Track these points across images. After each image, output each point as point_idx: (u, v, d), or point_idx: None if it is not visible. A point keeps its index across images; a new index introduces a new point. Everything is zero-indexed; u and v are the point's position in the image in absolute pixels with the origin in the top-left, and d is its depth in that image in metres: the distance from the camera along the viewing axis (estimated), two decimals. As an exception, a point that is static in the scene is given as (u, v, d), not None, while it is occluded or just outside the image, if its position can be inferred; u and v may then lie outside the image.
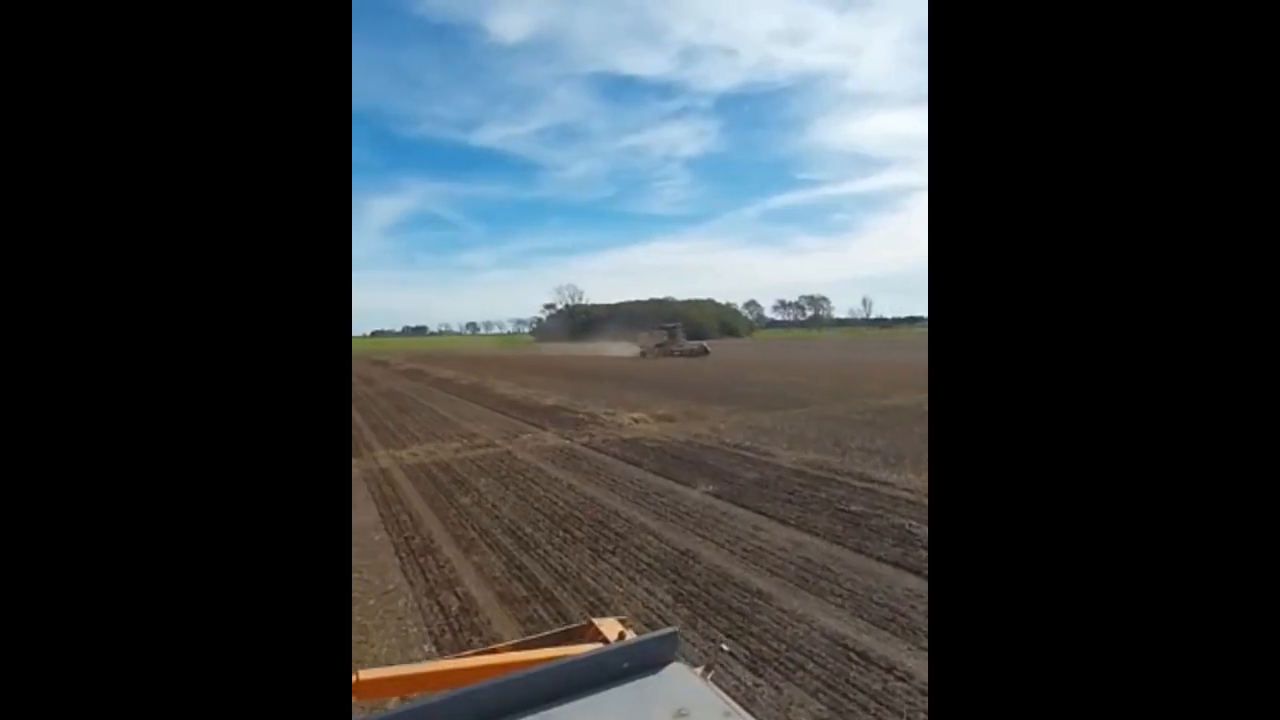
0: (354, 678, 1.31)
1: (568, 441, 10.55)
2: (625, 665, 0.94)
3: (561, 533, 5.90)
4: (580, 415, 13.53)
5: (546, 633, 1.62)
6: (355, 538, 5.90)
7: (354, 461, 9.37)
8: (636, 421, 12.39)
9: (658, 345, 40.45)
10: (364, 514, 6.75)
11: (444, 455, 9.71)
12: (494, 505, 6.86)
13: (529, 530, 5.97)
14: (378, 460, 9.48)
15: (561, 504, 6.82)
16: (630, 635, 1.37)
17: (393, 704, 1.53)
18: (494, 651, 1.60)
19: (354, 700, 1.27)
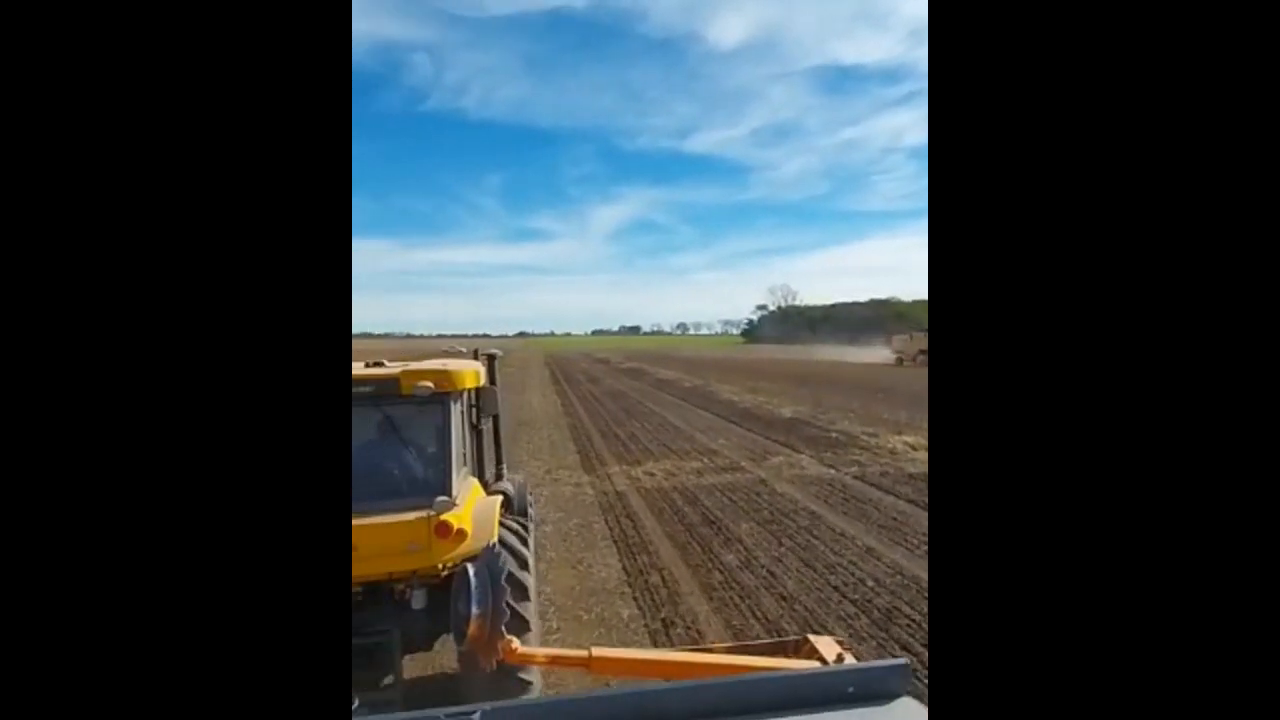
0: (587, 654, 1.78)
1: (832, 471, 8.33)
2: (850, 690, 0.91)
3: (896, 646, 3.77)
4: (832, 434, 11.18)
5: (761, 641, 1.77)
6: (595, 608, 4.39)
7: (585, 479, 8.20)
8: (912, 447, 9.70)
9: (921, 351, 31.91)
10: (602, 563, 5.26)
11: (685, 478, 8.09)
12: (771, 574, 4.93)
13: (843, 634, 3.91)
14: (612, 479, 8.16)
15: (871, 583, 4.67)
16: (850, 659, 1.43)
17: (614, 683, 1.99)
18: (709, 650, 1.89)
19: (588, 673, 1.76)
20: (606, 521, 6.37)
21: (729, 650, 2.02)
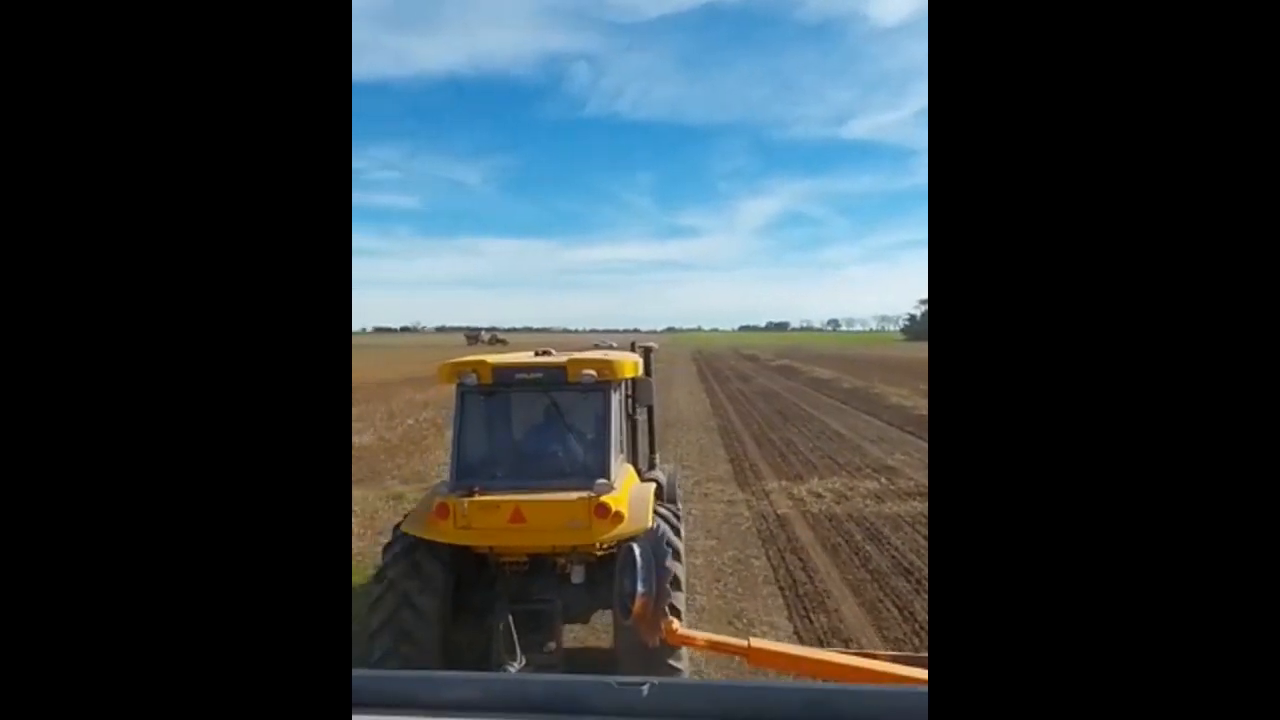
0: (746, 644, 2.01)
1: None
2: None
3: None
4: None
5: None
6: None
7: (739, 495, 7.03)
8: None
9: None
10: (766, 620, 4.11)
11: (861, 503, 6.66)
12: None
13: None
14: (770, 498, 6.93)
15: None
16: None
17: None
18: (873, 656, 1.90)
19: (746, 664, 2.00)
20: (769, 557, 5.20)
21: (894, 659, 2.00)
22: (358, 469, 7.95)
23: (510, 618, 2.81)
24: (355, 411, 13.78)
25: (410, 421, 12.24)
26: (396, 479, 7.90)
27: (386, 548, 3.11)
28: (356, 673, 0.79)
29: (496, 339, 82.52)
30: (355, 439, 10.23)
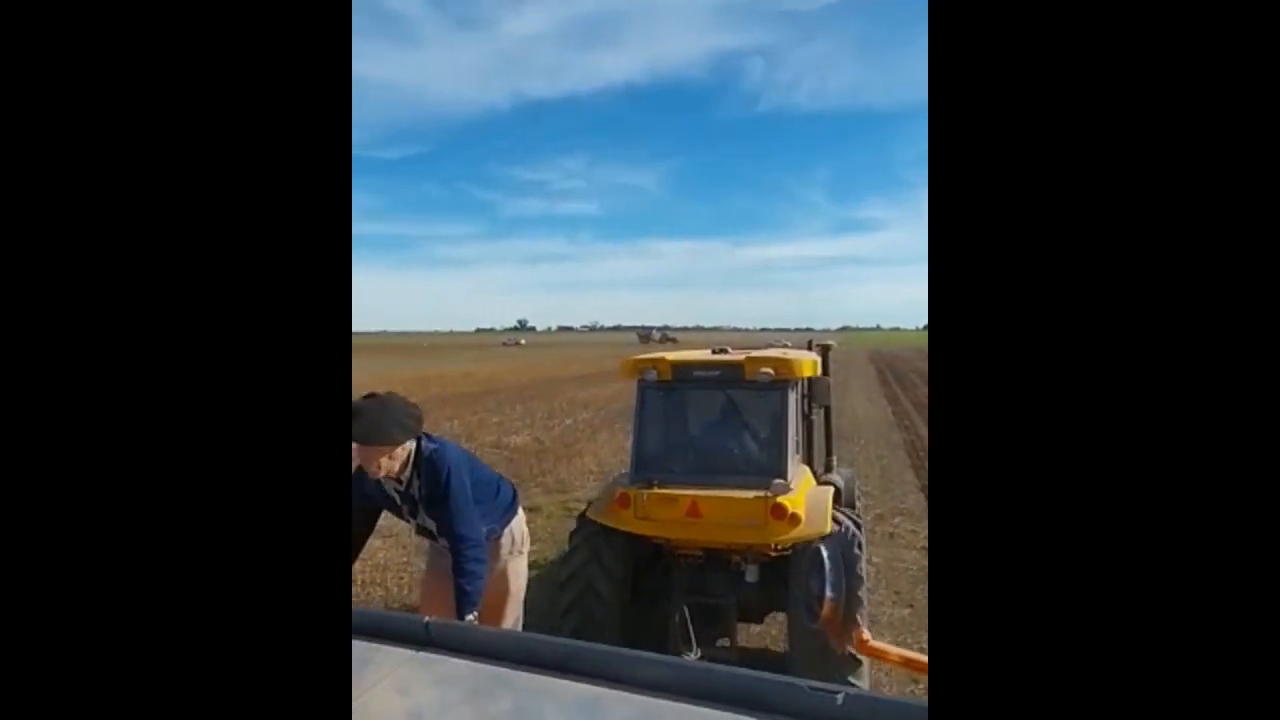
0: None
1: None
2: None
3: None
4: None
5: None
6: None
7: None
8: None
9: None
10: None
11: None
12: None
13: None
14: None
15: None
16: None
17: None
18: None
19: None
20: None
21: None
22: (504, 472, 7.64)
23: (686, 609, 2.91)
24: (518, 409, 13.97)
25: (568, 421, 12.03)
26: (540, 487, 7.47)
27: (573, 534, 3.21)
28: (561, 641, 0.98)
29: (667, 337, 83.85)
30: (510, 439, 10.15)
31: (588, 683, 0.92)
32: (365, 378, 21.04)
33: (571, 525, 3.33)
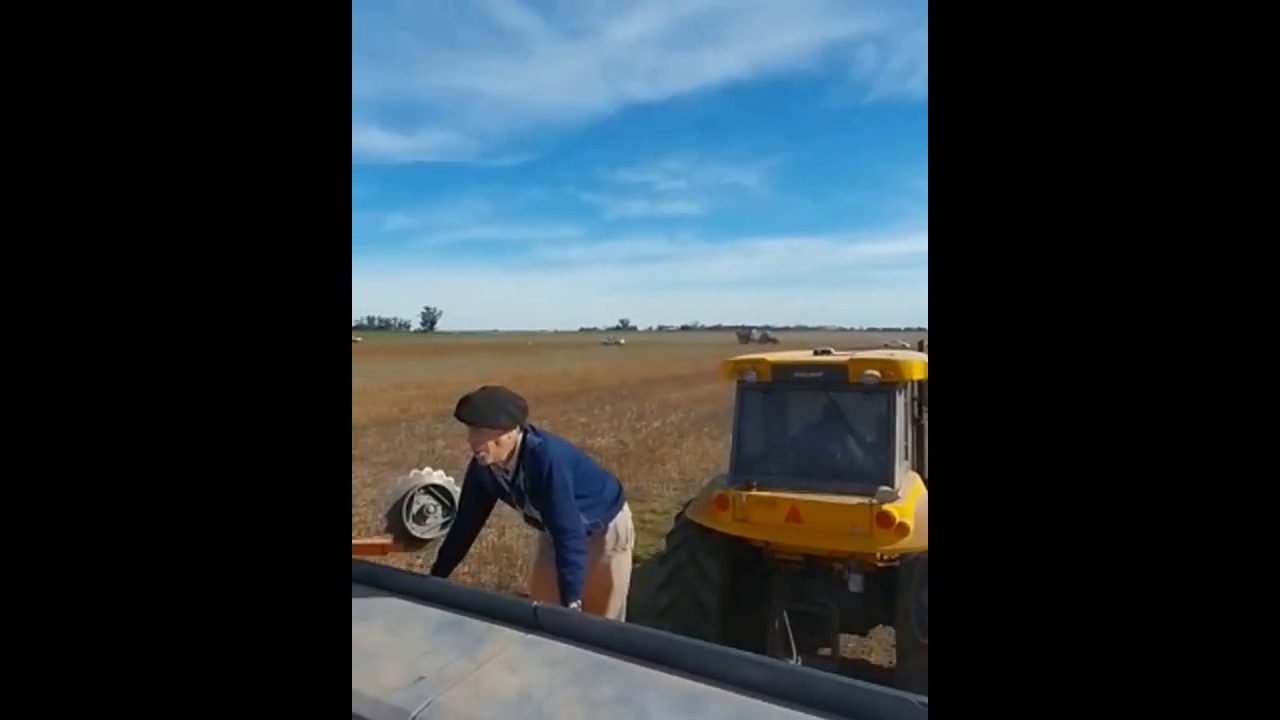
0: None
1: None
2: None
3: None
4: None
5: None
6: None
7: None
8: None
9: None
10: None
11: None
12: None
13: None
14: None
15: None
16: None
17: None
18: None
19: None
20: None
21: None
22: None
23: (785, 615, 2.90)
24: (608, 409, 13.85)
25: (657, 424, 11.72)
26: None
27: (670, 535, 3.21)
28: (663, 634, 1.02)
29: (768, 338, 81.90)
30: (594, 440, 9.96)
31: (688, 677, 0.95)
32: (470, 375, 21.86)
33: (646, 540, 3.26)
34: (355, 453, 8.71)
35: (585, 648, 1.11)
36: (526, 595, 2.64)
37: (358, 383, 19.55)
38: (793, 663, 2.55)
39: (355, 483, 7.10)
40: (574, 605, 2.07)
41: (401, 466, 7.95)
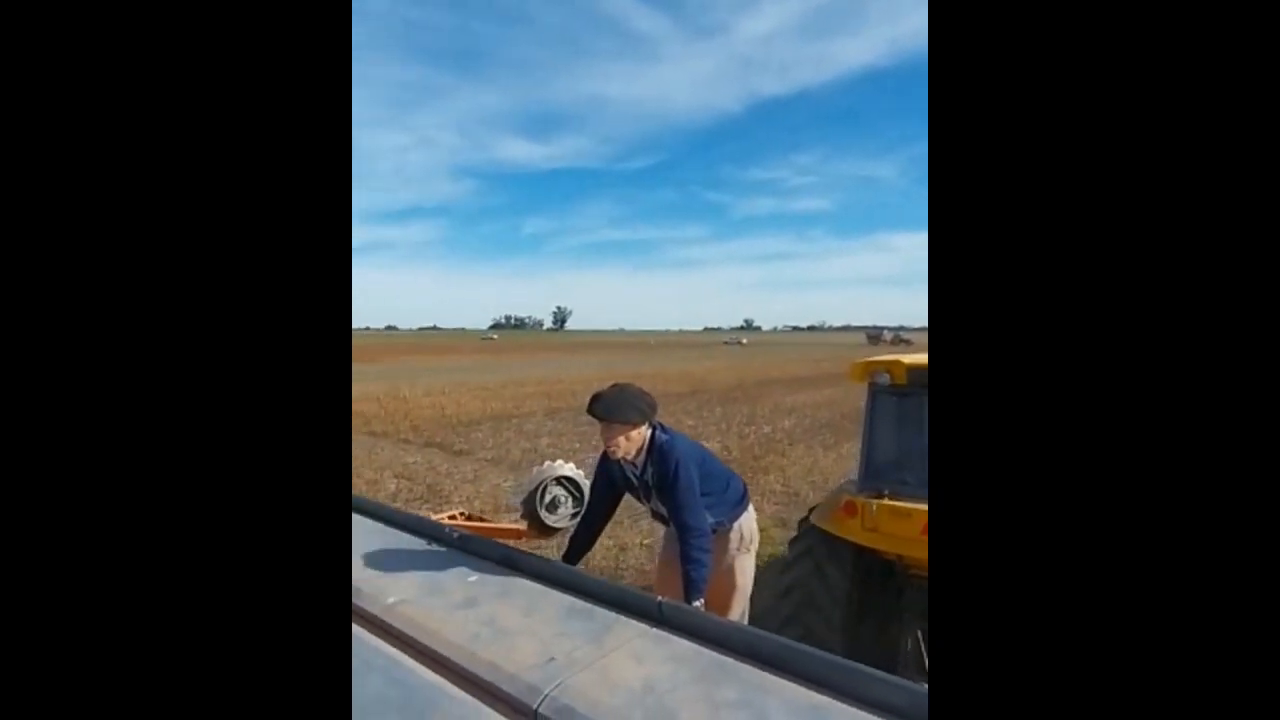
0: None
1: None
2: None
3: None
4: None
5: None
6: None
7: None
8: None
9: None
10: None
11: None
12: None
13: None
14: None
15: None
16: None
17: None
18: None
19: None
20: None
21: None
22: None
23: (920, 635, 2.79)
24: (718, 412, 13.39)
25: (767, 429, 11.12)
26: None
27: (793, 541, 3.10)
28: (789, 642, 1.01)
29: (900, 339, 76.96)
30: (697, 445, 9.58)
31: (812, 688, 0.95)
32: (588, 373, 22.32)
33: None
34: (463, 447, 8.99)
35: (708, 647, 1.11)
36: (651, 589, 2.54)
37: (483, 379, 20.59)
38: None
39: (452, 478, 7.27)
40: (697, 603, 2.06)
41: (502, 463, 8.07)
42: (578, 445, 9.00)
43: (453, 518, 2.55)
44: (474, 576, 1.58)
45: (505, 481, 7.08)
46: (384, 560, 1.69)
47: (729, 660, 1.07)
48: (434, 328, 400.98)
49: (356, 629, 1.31)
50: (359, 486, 6.67)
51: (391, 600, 1.43)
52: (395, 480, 7.07)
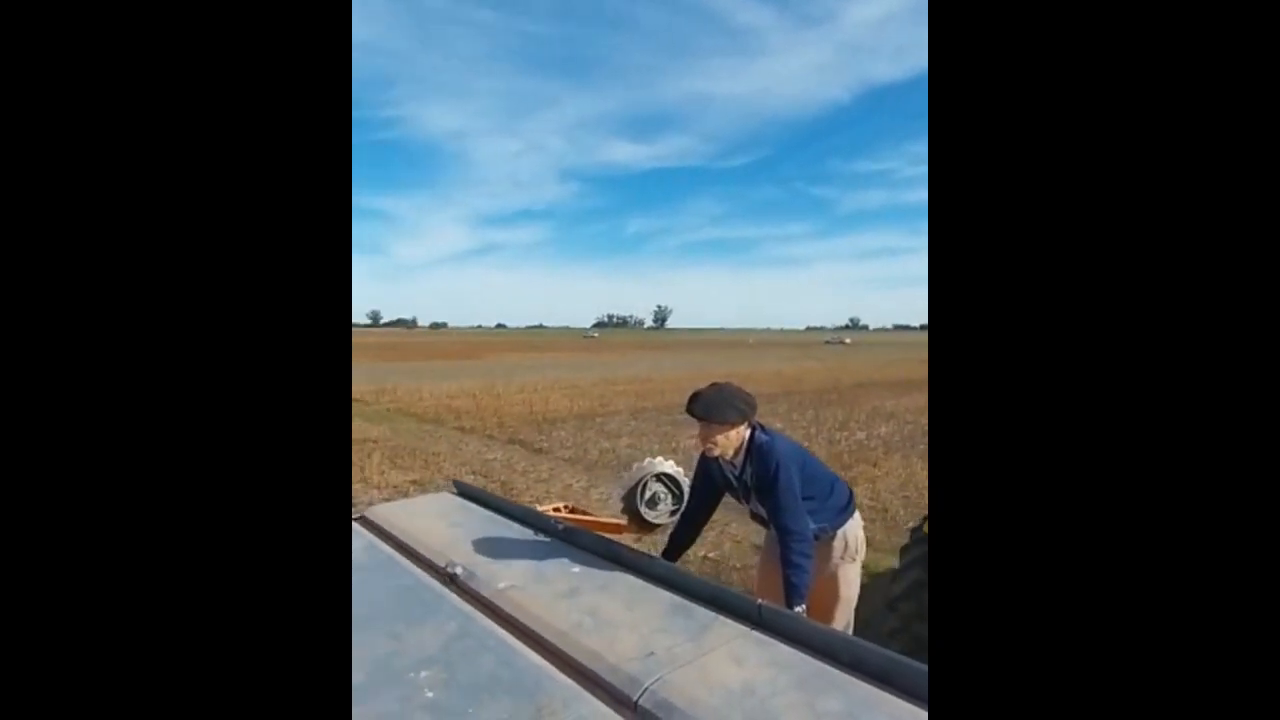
0: None
1: None
2: None
3: None
4: None
5: None
6: None
7: None
8: None
9: None
10: None
11: None
12: None
13: None
14: None
15: None
16: None
17: None
18: None
19: None
20: None
21: None
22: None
23: None
24: (809, 415, 12.76)
25: (860, 436, 10.41)
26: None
27: (904, 549, 2.97)
28: (898, 656, 0.96)
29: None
30: (781, 451, 9.10)
31: (921, 705, 0.89)
32: (679, 372, 22.13)
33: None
34: (543, 445, 9.05)
35: (810, 654, 1.10)
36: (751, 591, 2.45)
37: (576, 376, 20.91)
38: None
39: (526, 476, 7.28)
40: (799, 609, 2.01)
41: (578, 464, 8.02)
42: (656, 446, 8.80)
43: (557, 510, 2.62)
44: (577, 567, 1.62)
45: (578, 482, 7.01)
46: (494, 547, 1.76)
47: (832, 670, 1.04)
48: (540, 326, 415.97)
49: (470, 610, 1.39)
50: (440, 481, 6.83)
51: (501, 585, 1.48)
52: (471, 476, 7.18)
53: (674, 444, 9.02)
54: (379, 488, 6.63)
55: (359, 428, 10.11)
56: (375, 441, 9.13)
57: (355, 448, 8.57)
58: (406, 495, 6.42)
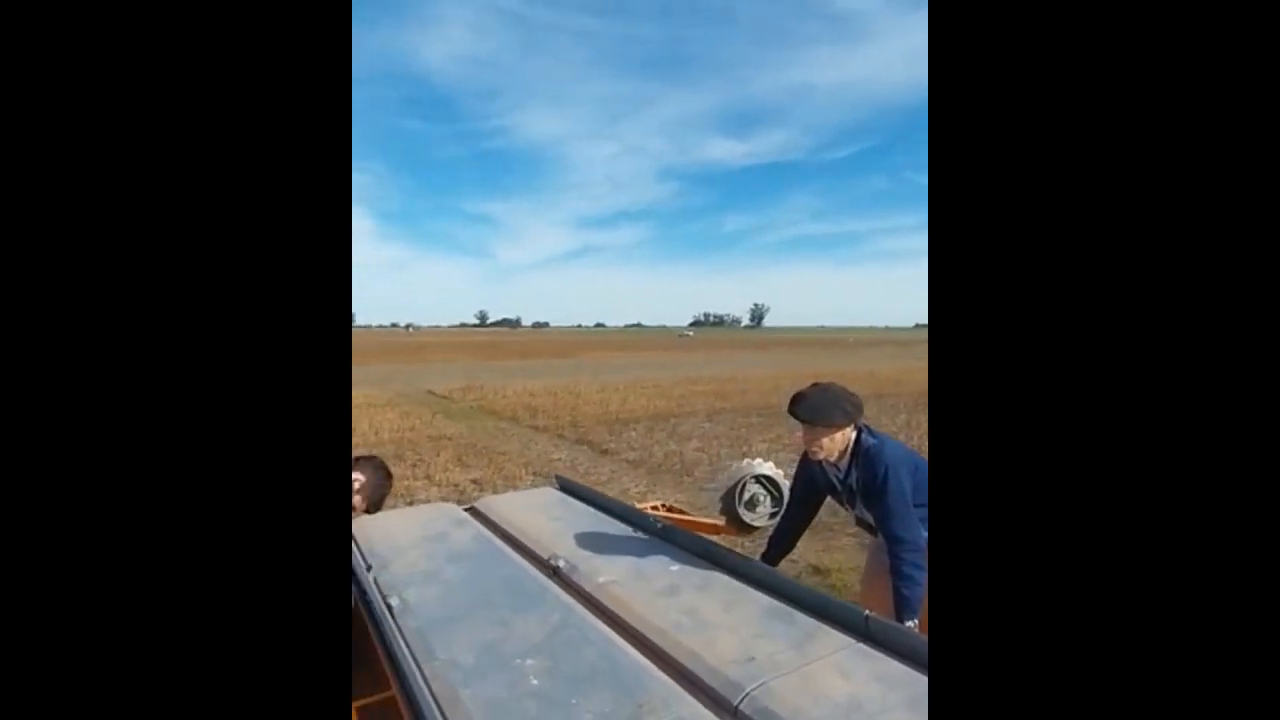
0: None
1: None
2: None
3: None
4: None
5: None
6: None
7: None
8: None
9: None
10: None
11: None
12: None
13: None
14: None
15: None
16: None
17: None
18: None
19: None
20: None
21: None
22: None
23: None
24: (901, 419, 11.89)
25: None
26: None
27: None
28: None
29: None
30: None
31: None
32: (765, 372, 21.44)
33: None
34: (610, 446, 8.92)
35: (922, 672, 1.06)
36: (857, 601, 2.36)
37: (659, 375, 20.73)
38: None
39: (587, 478, 7.15)
40: (910, 624, 1.90)
41: (642, 466, 7.81)
42: (725, 451, 8.44)
43: (655, 508, 2.61)
44: (675, 566, 1.61)
45: (635, 487, 6.80)
46: (594, 542, 1.77)
47: None
48: (638, 325, 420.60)
49: (571, 603, 1.40)
50: (499, 482, 6.85)
51: (602, 580, 1.50)
52: (531, 477, 7.16)
53: (744, 448, 8.60)
54: (440, 485, 6.74)
55: (438, 425, 10.44)
56: (450, 439, 9.37)
57: (429, 445, 8.83)
58: (464, 494, 6.48)
